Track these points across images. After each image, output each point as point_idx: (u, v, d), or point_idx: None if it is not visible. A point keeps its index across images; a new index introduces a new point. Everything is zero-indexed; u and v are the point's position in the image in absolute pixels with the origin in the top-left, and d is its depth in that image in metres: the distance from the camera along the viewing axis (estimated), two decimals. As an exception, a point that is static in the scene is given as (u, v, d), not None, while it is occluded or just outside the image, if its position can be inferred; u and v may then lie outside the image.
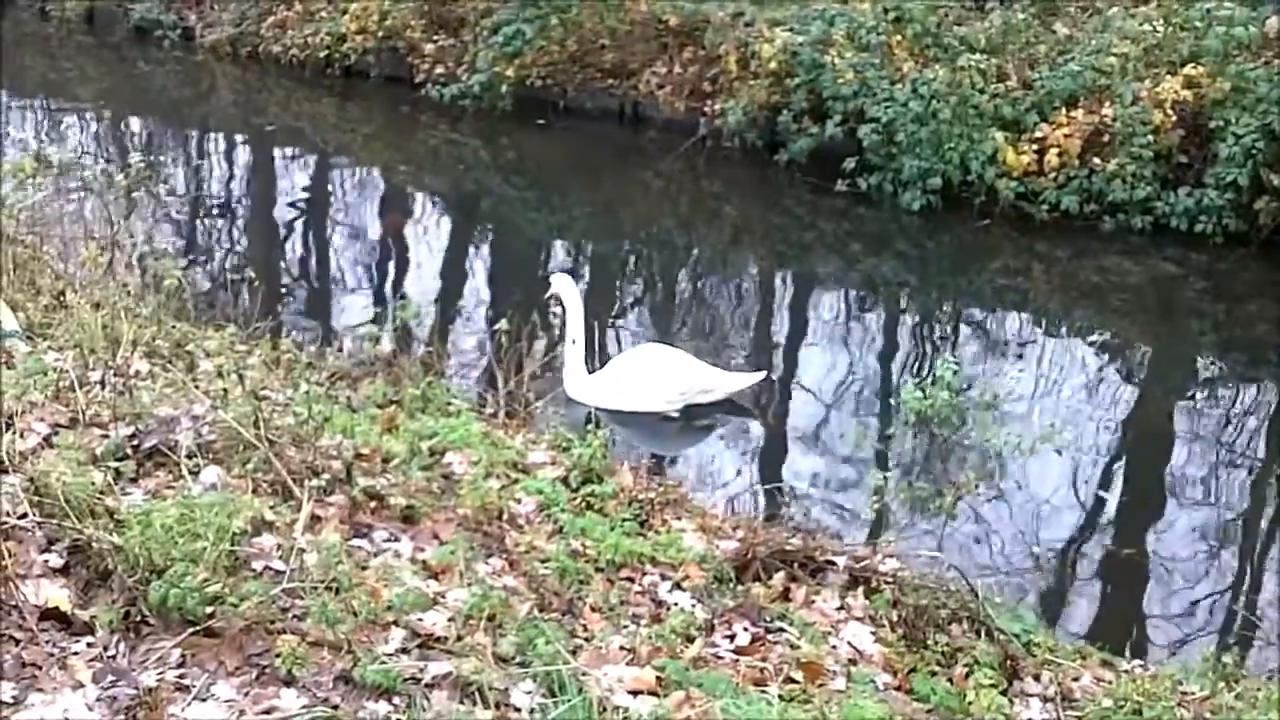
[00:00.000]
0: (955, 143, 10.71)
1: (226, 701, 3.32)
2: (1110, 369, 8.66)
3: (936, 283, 10.29)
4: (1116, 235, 10.39)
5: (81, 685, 3.30)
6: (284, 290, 9.81)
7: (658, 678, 3.69)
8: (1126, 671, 4.59)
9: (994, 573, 5.89)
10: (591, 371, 7.42)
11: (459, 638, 3.69)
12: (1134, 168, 10.36)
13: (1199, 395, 8.40)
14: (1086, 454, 7.16)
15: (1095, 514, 6.69)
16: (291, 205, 12.06)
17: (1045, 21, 12.25)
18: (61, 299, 6.70)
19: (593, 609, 4.13)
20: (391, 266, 10.50)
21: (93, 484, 4.03)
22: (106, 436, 4.59)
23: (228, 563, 3.75)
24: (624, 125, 13.41)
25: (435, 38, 14.53)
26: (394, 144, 13.80)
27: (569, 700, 3.42)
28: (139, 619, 3.56)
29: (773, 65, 11.91)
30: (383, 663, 3.46)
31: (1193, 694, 4.34)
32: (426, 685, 3.45)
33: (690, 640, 4.02)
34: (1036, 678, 4.28)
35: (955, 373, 7.21)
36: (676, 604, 4.31)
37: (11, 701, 3.23)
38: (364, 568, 4.02)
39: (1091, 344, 9.09)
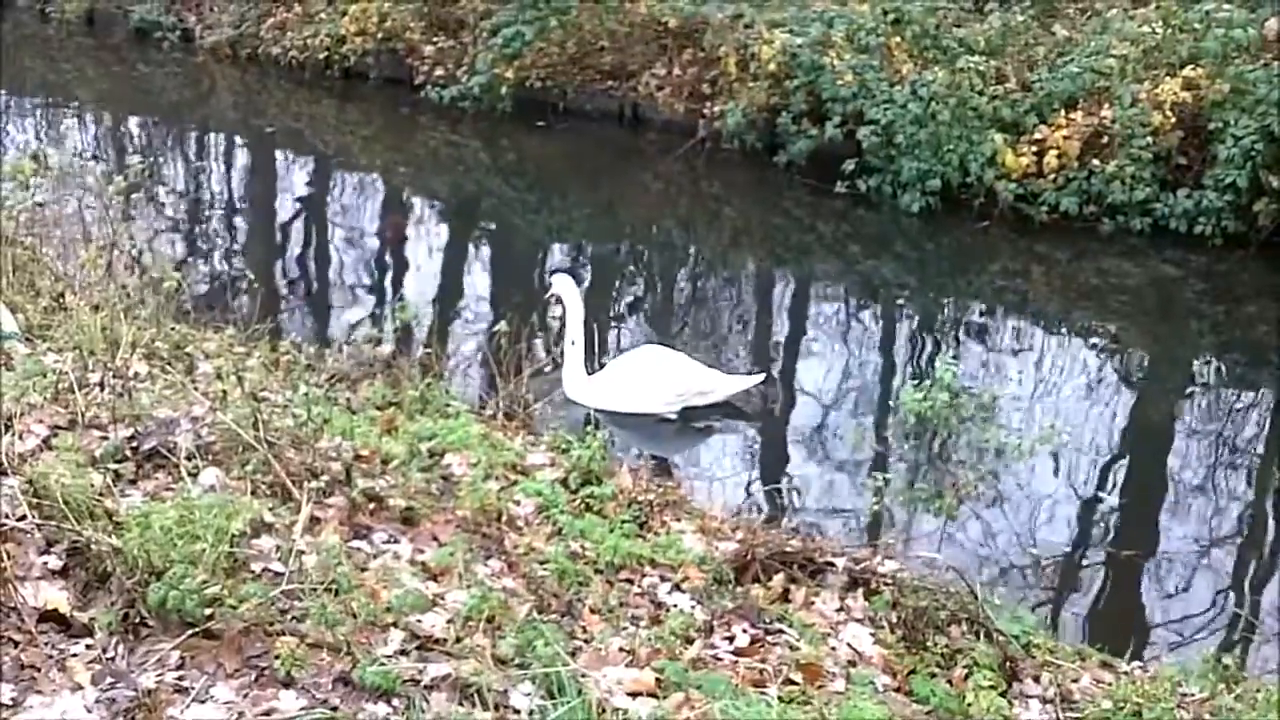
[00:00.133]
0: (954, 144, 10.72)
1: (225, 703, 3.32)
2: (1109, 370, 8.66)
3: (936, 284, 10.29)
4: (1116, 237, 10.39)
5: (80, 687, 3.30)
6: (283, 292, 9.81)
7: (657, 679, 3.69)
8: (1126, 673, 4.60)
9: (993, 574, 5.90)
10: (591, 373, 7.42)
11: (458, 639, 3.69)
12: (1133, 169, 10.36)
13: (1198, 396, 8.40)
14: (1086, 455, 7.16)
15: (1094, 515, 6.69)
16: (291, 207, 12.06)
17: (1044, 23, 12.27)
18: (61, 301, 6.71)
19: (592, 610, 4.13)
20: (391, 268, 10.50)
21: (92, 486, 4.03)
22: (106, 438, 4.59)
23: (227, 564, 3.75)
24: (623, 127, 13.42)
25: (435, 39, 14.53)
26: (393, 146, 13.81)
27: (568, 702, 3.41)
28: (138, 621, 3.56)
29: (772, 67, 11.92)
30: (382, 664, 3.46)
31: (1192, 695, 4.34)
32: (426, 687, 3.45)
33: (689, 642, 4.02)
34: (1036, 679, 4.28)
35: (954, 374, 7.21)
36: (676, 605, 4.31)
37: (10, 703, 3.23)
38: (363, 569, 4.02)
39: (1090, 345, 9.09)
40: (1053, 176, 10.59)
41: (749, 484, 6.84)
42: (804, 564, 4.69)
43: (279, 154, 13.67)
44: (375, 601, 3.77)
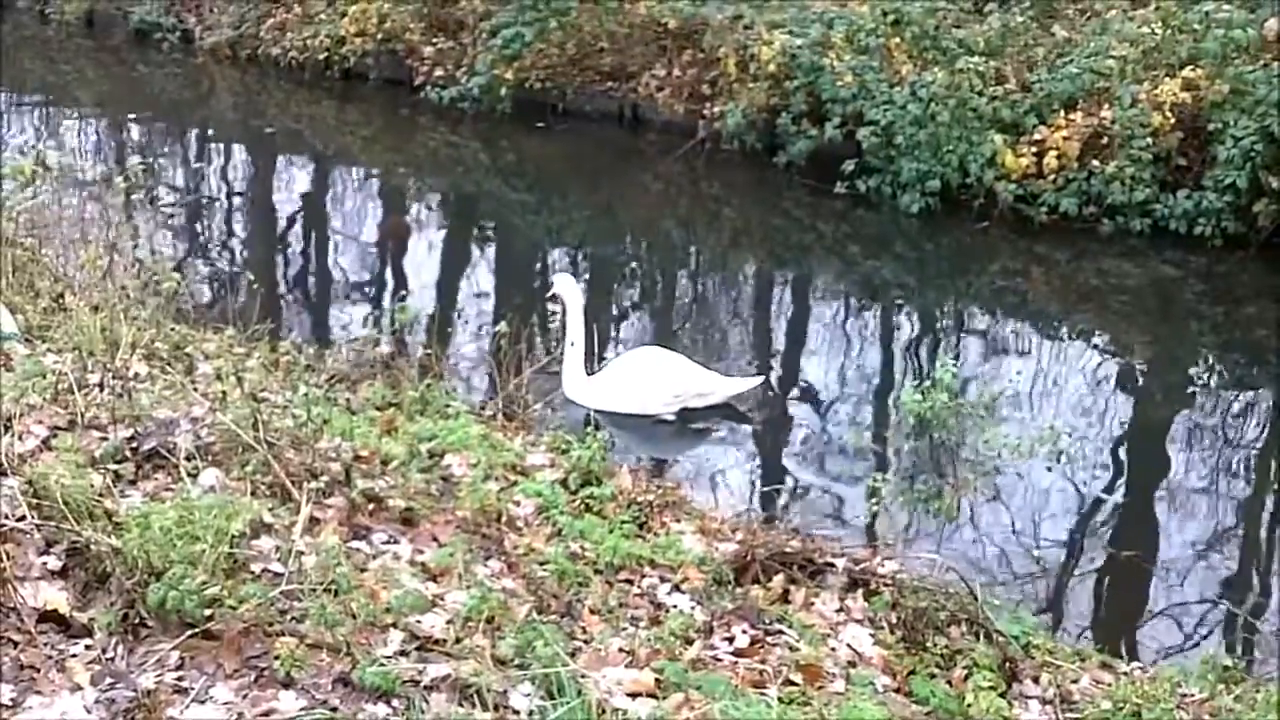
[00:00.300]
0: (954, 145, 10.72)
1: (225, 704, 3.32)
2: (1109, 371, 8.66)
3: (935, 285, 10.29)
4: (1115, 237, 10.39)
5: (80, 687, 3.30)
6: (283, 293, 9.81)
7: (657, 680, 3.69)
8: (1125, 673, 4.60)
9: (993, 575, 5.89)
10: (590, 373, 7.42)
11: (458, 640, 3.69)
12: (1133, 170, 10.36)
13: (1198, 397, 8.40)
14: (1085, 456, 7.15)
15: (1094, 516, 6.69)
16: (290, 207, 12.06)
17: (1044, 24, 12.25)
18: (60, 301, 6.71)
19: (592, 611, 4.13)
20: (390, 269, 10.50)
21: (91, 486, 4.03)
22: (105, 439, 4.59)
23: (226, 565, 3.75)
24: (623, 128, 13.42)
25: (434, 40, 14.53)
26: (393, 146, 13.81)
27: (568, 702, 3.41)
28: (137, 621, 3.56)
29: (772, 68, 11.91)
30: (381, 665, 3.46)
31: (1192, 696, 4.34)
32: (425, 687, 3.45)
33: (689, 642, 4.02)
34: (1036, 680, 4.28)
35: (954, 375, 7.21)
36: (675, 606, 4.31)
37: (10, 704, 3.22)
38: (363, 570, 4.02)
39: (1090, 346, 9.09)
40: (1052, 177, 10.58)
41: (749, 485, 6.84)
42: (804, 565, 4.69)
43: (279, 155, 13.67)
44: (375, 602, 3.77)
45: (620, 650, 3.87)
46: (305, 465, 4.49)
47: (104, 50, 17.62)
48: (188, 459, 4.45)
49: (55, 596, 3.60)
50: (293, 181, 12.98)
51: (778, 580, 4.58)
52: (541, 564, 4.35)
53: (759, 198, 11.90)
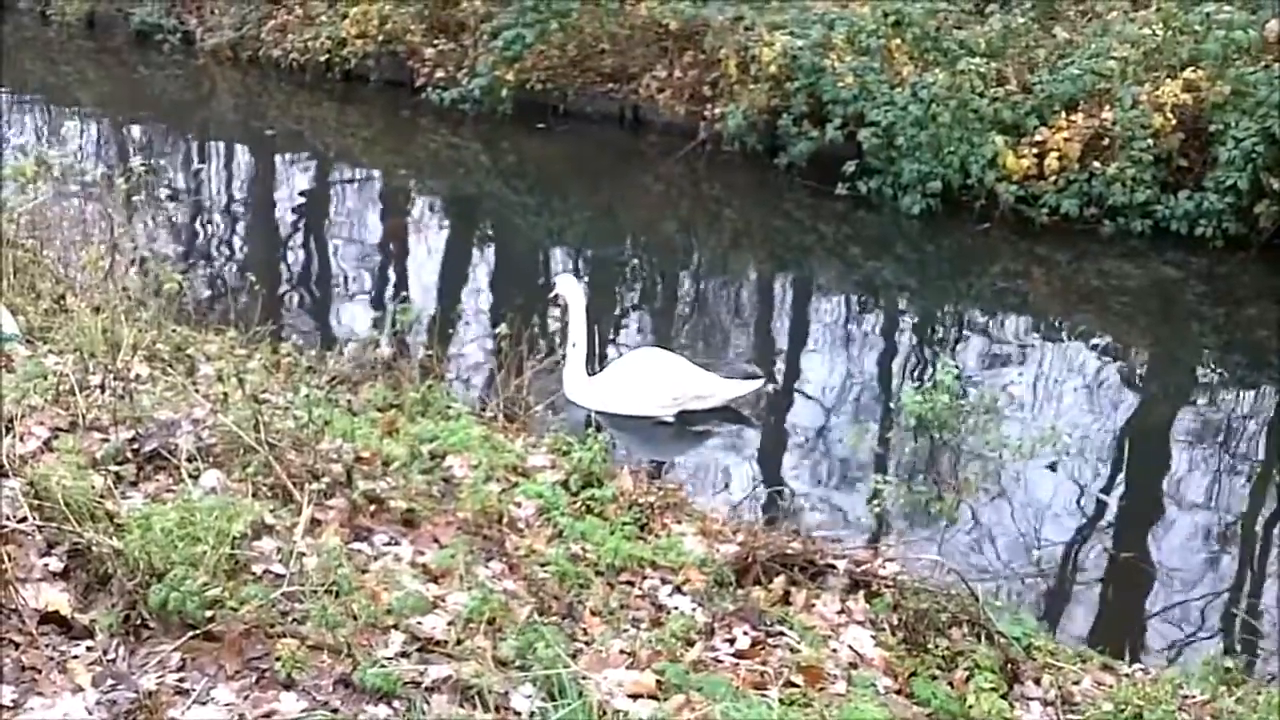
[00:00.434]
0: (955, 146, 10.72)
1: (226, 705, 3.32)
2: (1110, 372, 8.66)
3: (936, 286, 10.29)
4: (1116, 239, 10.39)
5: (81, 689, 3.31)
6: (284, 294, 9.81)
7: (658, 681, 3.69)
8: (1127, 675, 4.60)
9: (994, 576, 5.89)
10: (592, 374, 7.42)
11: (459, 641, 3.69)
12: (1134, 171, 10.36)
13: (1199, 399, 8.40)
14: (1086, 457, 7.15)
15: (1095, 517, 6.69)
16: (292, 209, 12.06)
17: (1045, 25, 12.26)
18: (62, 303, 6.71)
19: (593, 613, 4.13)
20: (392, 270, 10.51)
21: (93, 488, 4.03)
22: (107, 440, 4.59)
23: (228, 566, 3.75)
24: (624, 129, 13.42)
25: (435, 42, 14.53)
26: (394, 148, 13.81)
27: (569, 704, 3.41)
28: (139, 622, 3.56)
29: (773, 69, 11.91)
30: (383, 666, 3.46)
31: (1193, 698, 4.34)
32: (426, 689, 3.45)
33: (690, 644, 4.02)
34: (1037, 681, 4.28)
35: (955, 376, 7.21)
36: (677, 608, 4.31)
37: (11, 705, 3.23)
38: (364, 571, 4.02)
39: (1091, 347, 9.08)
40: (1053, 178, 10.59)
41: (750, 486, 6.84)
42: (805, 566, 4.69)
43: (280, 156, 13.68)
44: (376, 603, 3.77)
45: (621, 652, 3.87)
46: (306, 467, 4.49)
47: (105, 51, 17.62)
48: (189, 460, 4.45)
49: (57, 598, 3.60)
50: (294, 183, 12.98)
51: (779, 582, 4.58)
52: (543, 565, 4.35)
53: (760, 199, 11.90)
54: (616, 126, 13.46)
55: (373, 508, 4.48)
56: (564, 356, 7.43)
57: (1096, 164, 10.54)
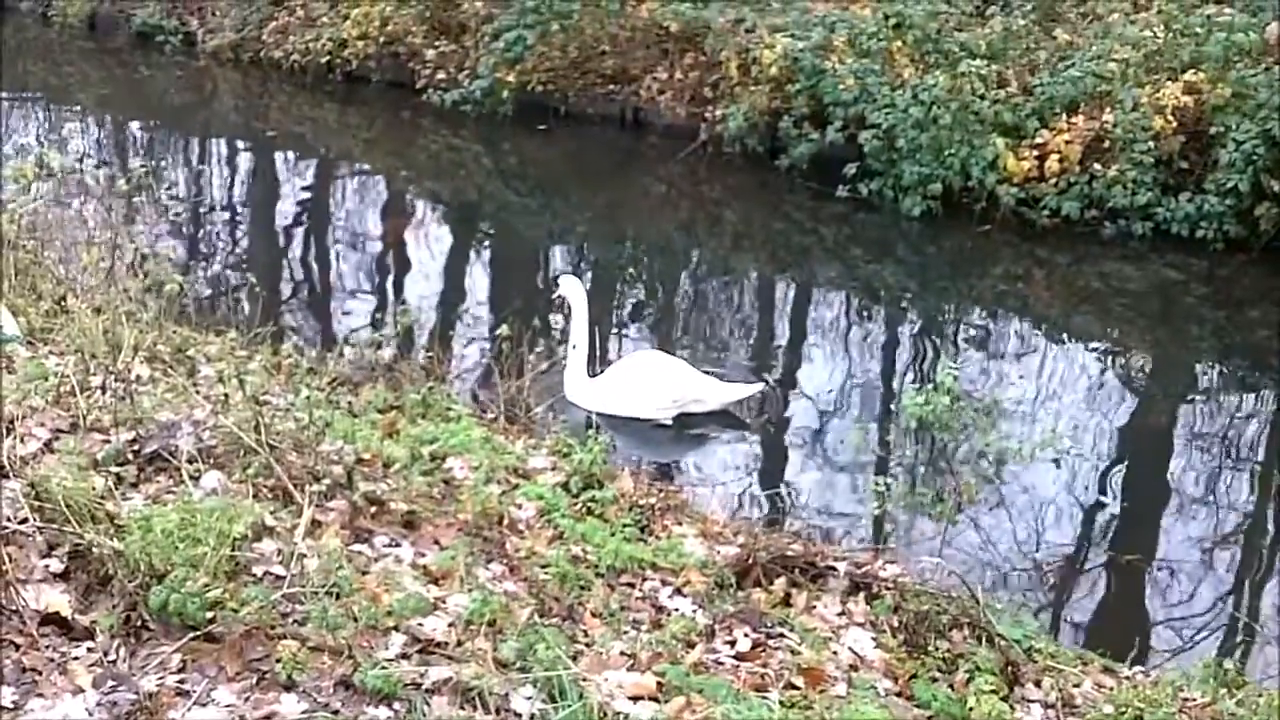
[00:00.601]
0: (956, 148, 10.72)
1: (227, 706, 3.32)
2: (1111, 374, 8.66)
3: (937, 288, 10.29)
4: (1117, 241, 10.39)
5: (82, 690, 3.30)
6: (285, 296, 9.81)
7: (658, 683, 3.69)
8: (1128, 678, 4.60)
9: (995, 578, 5.90)
10: (592, 376, 7.42)
11: (459, 643, 3.69)
12: (1135, 173, 10.36)
13: (1199, 401, 8.40)
14: (1087, 459, 7.15)
15: (1096, 519, 6.69)
16: (293, 210, 12.07)
17: (1046, 27, 12.27)
18: (62, 304, 6.71)
19: (593, 614, 4.13)
20: (392, 272, 10.51)
21: (93, 489, 4.03)
22: (107, 441, 4.59)
23: (228, 568, 3.75)
24: (625, 131, 13.43)
25: (437, 43, 14.54)
26: (395, 149, 13.82)
27: (569, 706, 3.41)
28: (139, 624, 3.56)
29: (774, 71, 11.92)
30: (383, 668, 3.46)
31: (1194, 700, 4.33)
32: (427, 690, 3.45)
33: (691, 646, 4.02)
34: (1038, 684, 4.28)
35: (956, 378, 7.19)
36: (677, 609, 4.31)
37: (12, 706, 3.22)
38: (364, 573, 4.02)
39: (1092, 349, 9.08)
40: (1054, 180, 10.59)
41: (750, 488, 6.84)
42: (805, 568, 4.69)
43: (280, 157, 13.68)
44: (376, 605, 3.77)
45: (622, 653, 3.87)
46: (307, 468, 4.49)
47: (106, 53, 17.63)
48: (190, 462, 4.45)
49: (57, 599, 3.60)
50: (295, 184, 12.98)
51: (779, 584, 4.58)
52: (543, 567, 4.35)
53: (761, 201, 11.90)
54: (617, 128, 13.47)
55: (373, 509, 4.48)
56: (565, 357, 7.43)
57: (1097, 166, 10.55)
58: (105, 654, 3.47)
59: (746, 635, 4.17)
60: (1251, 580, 6.27)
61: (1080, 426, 7.55)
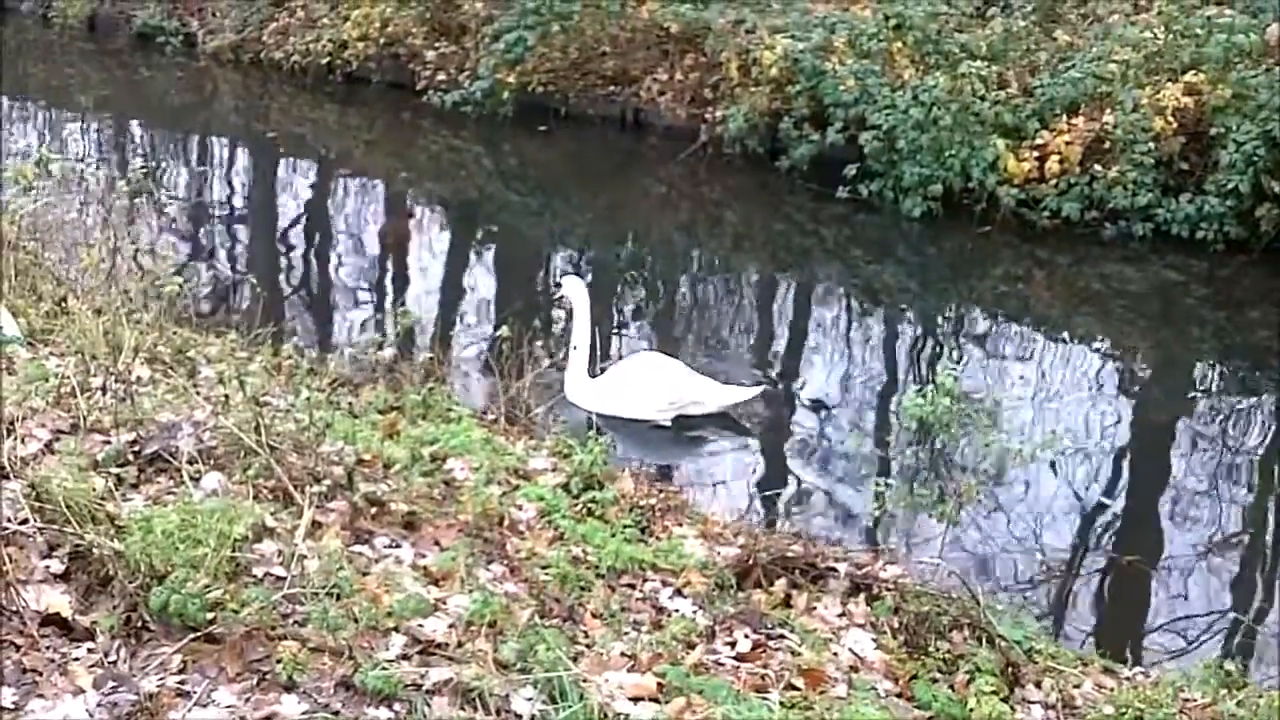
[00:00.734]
0: (956, 149, 10.72)
1: (227, 707, 3.32)
2: (1111, 375, 8.66)
3: (938, 289, 10.29)
4: (1117, 242, 10.39)
5: (82, 691, 3.30)
6: (285, 297, 9.82)
7: (659, 684, 3.69)
8: (1128, 679, 4.60)
9: (995, 580, 5.89)
10: (593, 376, 7.43)
11: (460, 644, 3.69)
12: (1135, 174, 10.36)
13: (1200, 401, 8.40)
14: (1088, 460, 7.16)
15: (1097, 521, 6.69)
16: (293, 211, 12.07)
17: (1046, 29, 12.27)
18: (63, 305, 6.71)
19: (594, 615, 4.13)
20: (392, 273, 10.51)
21: (94, 490, 4.03)
22: (108, 442, 4.59)
23: (229, 569, 3.75)
24: (625, 132, 13.43)
25: (437, 44, 14.55)
26: (395, 150, 13.82)
27: (570, 707, 3.42)
28: (140, 625, 3.56)
29: (774, 72, 11.93)
30: (383, 669, 3.46)
31: (1194, 701, 4.33)
32: (427, 691, 3.45)
33: (691, 647, 4.02)
34: (1038, 685, 4.28)
35: (956, 379, 7.16)
36: (678, 610, 4.31)
37: (12, 707, 3.22)
38: (365, 574, 4.02)
39: (1092, 350, 9.09)
40: (1054, 182, 10.59)
41: (751, 489, 6.83)
42: (806, 569, 4.69)
43: (281, 159, 13.68)
44: (377, 606, 3.77)
45: (622, 654, 3.86)
46: (307, 469, 4.49)
47: (106, 54, 17.64)
48: (190, 463, 4.45)
49: (57, 600, 3.60)
50: (295, 185, 12.99)
51: (780, 585, 4.58)
52: (543, 568, 4.35)
53: (761, 202, 11.90)
54: (618, 129, 13.47)
55: (374, 510, 4.48)
56: (566, 358, 7.43)
57: (1097, 167, 10.55)
58: (106, 655, 3.47)
59: (747, 636, 4.17)
60: (1252, 580, 6.27)
61: (1081, 427, 7.56)
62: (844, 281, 10.56)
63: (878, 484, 6.20)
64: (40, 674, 3.35)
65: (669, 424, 7.26)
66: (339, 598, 3.75)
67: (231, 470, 4.48)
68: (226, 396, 5.00)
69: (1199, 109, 10.56)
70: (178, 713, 3.27)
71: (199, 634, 3.51)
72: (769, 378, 8.19)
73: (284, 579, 3.81)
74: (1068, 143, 10.64)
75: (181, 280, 7.01)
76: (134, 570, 3.63)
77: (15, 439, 4.42)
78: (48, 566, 3.75)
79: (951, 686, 4.10)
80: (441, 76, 14.14)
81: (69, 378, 5.04)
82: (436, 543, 4.41)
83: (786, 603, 4.51)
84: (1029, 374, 8.48)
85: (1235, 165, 10.03)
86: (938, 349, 9.02)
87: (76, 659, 3.44)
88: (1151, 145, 10.39)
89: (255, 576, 3.82)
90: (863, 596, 4.59)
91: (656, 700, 3.61)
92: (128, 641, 3.52)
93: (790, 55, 11.86)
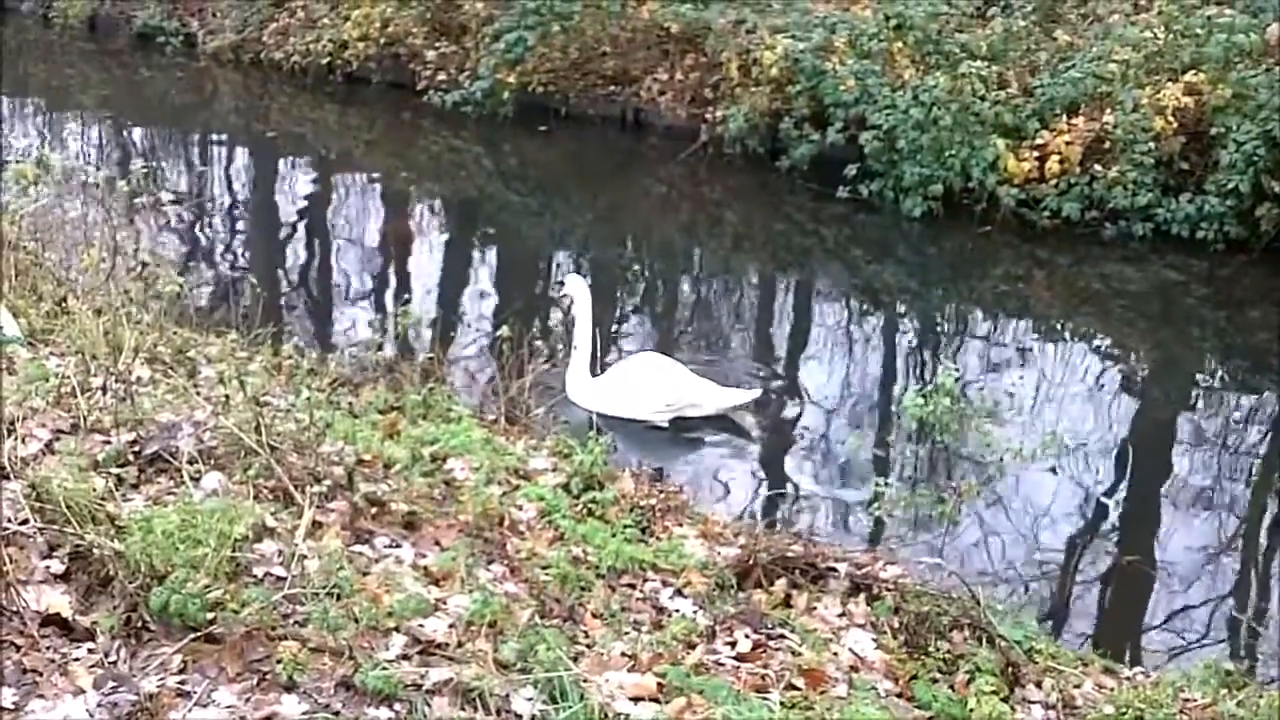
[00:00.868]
0: (956, 149, 10.72)
1: (228, 707, 3.32)
2: (1111, 375, 8.66)
3: (938, 289, 10.29)
4: (1118, 242, 10.39)
5: (82, 691, 3.30)
6: (286, 296, 9.82)
7: (659, 684, 3.69)
8: (1128, 679, 4.60)
9: (995, 579, 5.89)
10: (595, 376, 7.43)
11: (460, 644, 3.69)
12: (1135, 174, 10.36)
13: (1200, 402, 8.40)
14: (1088, 460, 7.15)
15: (1097, 521, 6.68)
16: (293, 211, 12.07)
17: (1046, 29, 12.26)
18: (63, 305, 6.71)
19: (594, 615, 4.13)
20: (393, 273, 10.51)
21: (94, 490, 4.03)
22: (108, 442, 4.59)
23: (229, 569, 3.75)
24: (626, 132, 13.43)
25: (437, 44, 14.55)
26: (396, 151, 13.82)
27: (570, 707, 3.42)
28: (140, 625, 3.56)
29: (774, 72, 11.93)
30: (384, 669, 3.46)
31: (1195, 701, 4.33)
32: (427, 691, 3.45)
33: (691, 647, 4.02)
34: (1038, 685, 4.28)
35: (956, 379, 7.19)
36: (678, 610, 4.31)
37: (12, 708, 3.23)
38: (365, 574, 4.02)
39: (1092, 350, 9.09)
40: (1054, 181, 10.59)
41: (751, 489, 6.84)
42: (806, 569, 4.69)
43: (281, 159, 13.69)
44: (377, 606, 3.77)
45: (622, 654, 3.87)
46: (308, 469, 4.49)
47: (107, 54, 17.64)
48: (190, 463, 4.45)
49: (58, 600, 3.60)
50: (295, 185, 12.99)
51: (780, 585, 4.58)
52: (544, 568, 4.35)
53: (761, 202, 11.90)
54: (618, 129, 13.47)
55: (374, 510, 4.48)
56: (566, 357, 7.43)
57: (1098, 167, 10.55)
58: (106, 655, 3.47)
59: (747, 636, 4.17)
60: (1253, 581, 6.27)
61: (1080, 427, 7.55)
62: (844, 281, 10.56)
63: (878, 484, 6.21)
64: (40, 674, 3.35)
65: (666, 425, 7.26)
66: (339, 598, 3.76)
67: (232, 470, 4.48)
68: (227, 396, 5.00)
69: (1199, 109, 10.56)
70: (178, 713, 3.27)
71: (199, 634, 3.51)
72: (769, 377, 8.19)
73: (284, 579, 3.81)
74: (1068, 143, 10.64)
75: (182, 280, 7.03)
76: (134, 570, 3.63)
77: (15, 439, 4.42)
78: (48, 567, 3.75)
79: (952, 686, 4.10)
80: (442, 76, 14.15)
81: (69, 378, 5.05)
82: (437, 543, 4.42)
83: (787, 603, 4.51)
84: (1029, 374, 8.47)
85: (1235, 165, 10.03)
86: (938, 349, 9.02)
87: (77, 659, 3.44)
88: (1152, 145, 10.39)
89: (255, 576, 3.83)
90: (863, 596, 4.59)
91: (657, 700, 3.61)
92: (128, 642, 3.52)
93: (791, 55, 11.86)
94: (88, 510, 3.87)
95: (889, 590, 4.56)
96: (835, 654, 4.20)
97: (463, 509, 4.65)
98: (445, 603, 3.93)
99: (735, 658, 4.05)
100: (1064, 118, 10.86)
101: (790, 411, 7.79)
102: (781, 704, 3.73)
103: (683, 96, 12.98)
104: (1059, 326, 9.54)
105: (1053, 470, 6.92)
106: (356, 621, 3.66)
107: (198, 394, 5.26)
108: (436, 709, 3.38)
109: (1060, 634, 5.48)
